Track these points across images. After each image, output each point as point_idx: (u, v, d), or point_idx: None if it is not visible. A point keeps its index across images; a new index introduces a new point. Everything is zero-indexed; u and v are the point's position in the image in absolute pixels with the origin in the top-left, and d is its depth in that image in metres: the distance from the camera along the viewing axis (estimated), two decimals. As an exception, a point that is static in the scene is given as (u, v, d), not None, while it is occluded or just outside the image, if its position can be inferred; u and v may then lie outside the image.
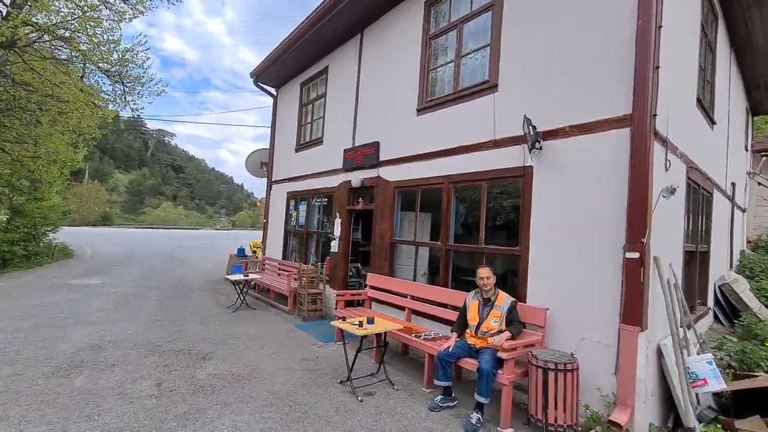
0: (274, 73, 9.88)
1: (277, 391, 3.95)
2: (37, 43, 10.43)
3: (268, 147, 11.42)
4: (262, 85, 10.54)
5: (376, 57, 6.81)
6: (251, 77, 10.31)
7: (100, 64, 12.14)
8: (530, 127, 3.82)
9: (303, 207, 9.04)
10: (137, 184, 70.42)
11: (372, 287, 6.10)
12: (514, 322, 3.68)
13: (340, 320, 4.18)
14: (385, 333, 4.09)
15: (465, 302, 4.01)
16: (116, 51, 11.99)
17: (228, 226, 64.75)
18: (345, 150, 7.29)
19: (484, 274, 3.85)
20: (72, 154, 13.74)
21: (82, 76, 12.62)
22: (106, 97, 13.24)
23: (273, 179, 10.50)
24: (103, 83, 13.31)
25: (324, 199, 8.29)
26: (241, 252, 11.98)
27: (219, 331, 6.04)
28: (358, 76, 7.20)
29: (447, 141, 5.20)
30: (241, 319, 6.92)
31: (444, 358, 3.68)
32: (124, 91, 13.40)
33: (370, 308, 6.11)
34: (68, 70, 12.10)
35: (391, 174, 6.16)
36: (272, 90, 10.81)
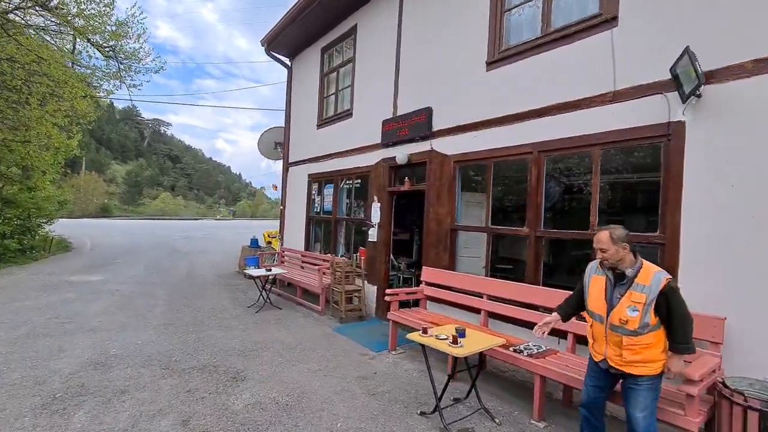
0: (289, 39, 8.65)
1: (344, 430, 2.95)
2: (20, 10, 9.18)
3: (274, 127, 10.29)
4: (275, 54, 9.32)
5: (424, 4, 5.62)
6: (262, 45, 9.09)
7: (92, 37, 10.89)
8: (695, 63, 2.71)
9: (329, 191, 7.94)
10: (135, 174, 68.98)
11: (428, 284, 5.06)
12: (675, 328, 2.19)
13: (419, 332, 3.15)
14: (481, 351, 3.05)
15: (583, 278, 2.61)
16: (109, 24, 10.74)
17: (229, 216, 63.51)
18: (384, 121, 6.16)
19: (603, 242, 2.33)
20: (65, 140, 12.56)
21: (72, 50, 11.38)
22: (100, 74, 12.04)
23: (290, 161, 9.37)
24: (96, 58, 12.07)
25: (357, 181, 7.18)
26: (254, 243, 10.93)
27: (245, 339, 5.04)
28: (399, 32, 6.02)
29: (533, 99, 4.09)
30: (268, 321, 5.91)
31: (591, 411, 2.50)
32: (120, 68, 12.20)
33: (426, 308, 5.10)
34: (57, 42, 10.85)
35: (450, 146, 5.06)
36: (286, 60, 9.58)
